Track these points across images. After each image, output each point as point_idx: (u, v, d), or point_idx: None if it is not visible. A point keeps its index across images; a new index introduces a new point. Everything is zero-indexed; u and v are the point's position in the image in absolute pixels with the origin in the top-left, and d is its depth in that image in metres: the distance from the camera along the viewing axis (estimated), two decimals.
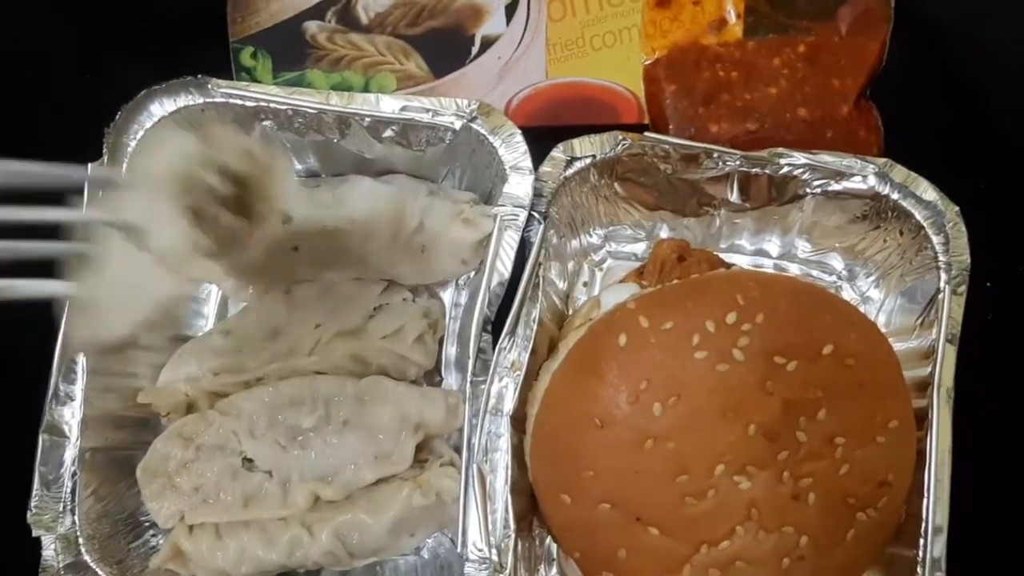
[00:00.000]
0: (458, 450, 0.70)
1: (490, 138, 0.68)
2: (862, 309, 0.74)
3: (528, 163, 0.68)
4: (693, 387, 0.58)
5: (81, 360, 0.68)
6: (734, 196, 0.73)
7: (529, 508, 0.70)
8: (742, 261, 0.78)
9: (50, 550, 0.66)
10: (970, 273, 0.67)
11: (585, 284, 0.79)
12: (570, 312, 0.77)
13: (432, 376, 0.76)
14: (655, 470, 0.59)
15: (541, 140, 0.71)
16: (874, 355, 0.61)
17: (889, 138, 0.77)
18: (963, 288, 0.66)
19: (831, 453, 0.59)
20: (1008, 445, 0.75)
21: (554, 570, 0.73)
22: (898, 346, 0.69)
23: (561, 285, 0.76)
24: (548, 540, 0.73)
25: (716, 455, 0.58)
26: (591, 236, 0.78)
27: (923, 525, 0.62)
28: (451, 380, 0.77)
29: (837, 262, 0.76)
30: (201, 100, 0.70)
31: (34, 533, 0.66)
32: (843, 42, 0.78)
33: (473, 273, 0.76)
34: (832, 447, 0.59)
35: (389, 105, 0.69)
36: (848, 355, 0.59)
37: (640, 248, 0.79)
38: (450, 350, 0.77)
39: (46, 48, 0.81)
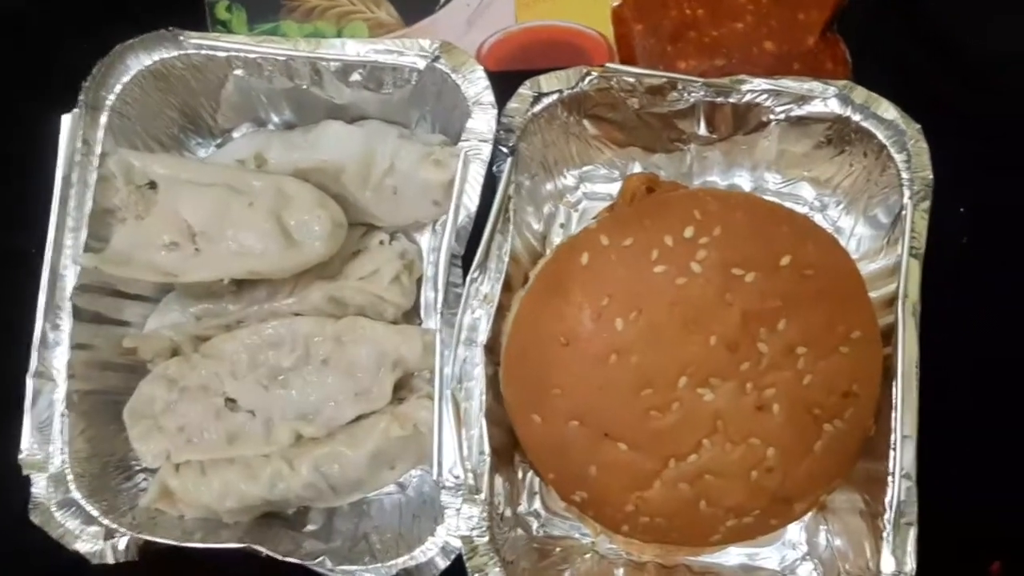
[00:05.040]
0: None
1: (453, 76, 0.70)
2: None
3: (490, 97, 0.69)
4: (653, 301, 0.59)
5: (67, 306, 0.69)
6: (702, 129, 0.73)
7: (510, 442, 0.71)
8: None
9: (40, 487, 0.68)
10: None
11: (562, 226, 0.80)
12: (547, 253, 0.78)
13: (411, 319, 0.78)
14: (620, 384, 0.60)
15: (514, 84, 0.72)
16: (833, 265, 0.62)
17: (856, 72, 0.78)
18: (927, 203, 0.66)
19: (793, 364, 0.60)
20: (980, 372, 0.76)
21: (537, 502, 0.75)
22: (867, 267, 0.70)
23: (537, 227, 0.77)
24: (530, 473, 0.75)
25: (679, 367, 0.59)
26: (565, 178, 0.79)
27: (892, 436, 0.63)
28: (430, 323, 0.78)
29: (808, 192, 0.77)
30: (175, 52, 0.72)
31: (24, 472, 0.68)
32: None
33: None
34: (794, 357, 0.60)
35: (354, 48, 0.70)
36: (806, 265, 0.60)
37: (614, 188, 0.79)
38: (429, 294, 0.78)
39: (22, 6, 0.83)
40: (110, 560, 0.68)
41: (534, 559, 0.70)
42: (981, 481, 0.73)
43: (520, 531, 0.72)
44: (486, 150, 0.69)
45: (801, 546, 0.72)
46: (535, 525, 0.74)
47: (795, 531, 0.73)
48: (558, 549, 0.72)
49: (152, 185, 0.72)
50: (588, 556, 0.73)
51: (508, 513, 0.70)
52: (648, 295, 0.59)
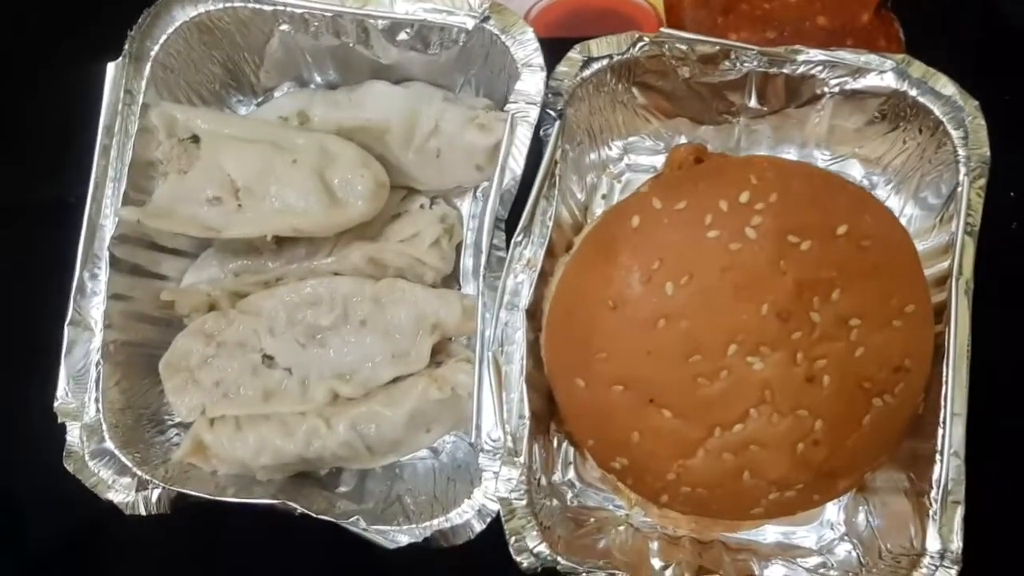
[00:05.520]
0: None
1: (502, 37, 0.69)
2: None
3: (540, 60, 0.68)
4: (705, 266, 0.58)
5: (105, 255, 0.69)
6: (752, 101, 0.72)
7: (547, 411, 0.71)
8: None
9: (75, 436, 0.68)
10: (993, 178, 0.66)
11: (604, 197, 0.79)
12: (588, 223, 0.77)
13: (450, 283, 0.77)
14: (668, 350, 0.59)
15: (561, 51, 0.71)
16: (890, 238, 0.61)
17: (910, 51, 0.77)
18: (982, 181, 0.65)
19: (846, 335, 0.59)
20: None
21: (571, 472, 0.74)
22: (919, 246, 0.69)
23: (580, 196, 0.77)
24: (565, 443, 0.74)
25: (729, 335, 0.58)
26: (610, 149, 0.78)
27: (941, 413, 0.62)
28: (469, 289, 0.77)
29: (856, 170, 0.76)
30: (221, 5, 0.71)
31: (59, 420, 0.68)
32: None
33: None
34: (847, 329, 0.59)
35: (403, 7, 0.70)
36: (863, 236, 0.59)
37: (659, 161, 0.79)
38: (467, 261, 0.78)
39: None
40: (142, 511, 0.68)
41: (570, 528, 0.70)
42: None
43: (555, 501, 0.71)
44: (534, 113, 0.68)
45: (839, 526, 0.71)
46: (569, 495, 0.73)
47: (833, 511, 0.72)
48: (592, 520, 0.72)
49: (195, 139, 0.72)
50: (622, 528, 0.72)
51: (543, 482, 0.70)
52: (700, 260, 0.58)
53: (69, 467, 0.68)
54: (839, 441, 0.60)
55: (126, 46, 0.70)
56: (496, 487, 0.65)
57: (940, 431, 0.62)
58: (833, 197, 0.60)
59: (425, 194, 0.77)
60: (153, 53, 0.71)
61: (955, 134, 0.66)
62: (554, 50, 0.70)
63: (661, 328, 0.59)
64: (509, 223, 0.68)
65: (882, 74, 0.68)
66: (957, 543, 0.61)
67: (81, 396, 0.68)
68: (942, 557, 0.61)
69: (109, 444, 0.68)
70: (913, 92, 0.67)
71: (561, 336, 0.64)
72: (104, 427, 0.68)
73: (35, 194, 0.80)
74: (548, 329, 0.65)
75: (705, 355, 0.58)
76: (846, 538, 0.71)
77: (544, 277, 0.68)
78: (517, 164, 0.68)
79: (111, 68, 0.70)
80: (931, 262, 0.67)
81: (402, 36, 0.71)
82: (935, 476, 0.61)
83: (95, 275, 0.69)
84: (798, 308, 0.58)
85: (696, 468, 0.61)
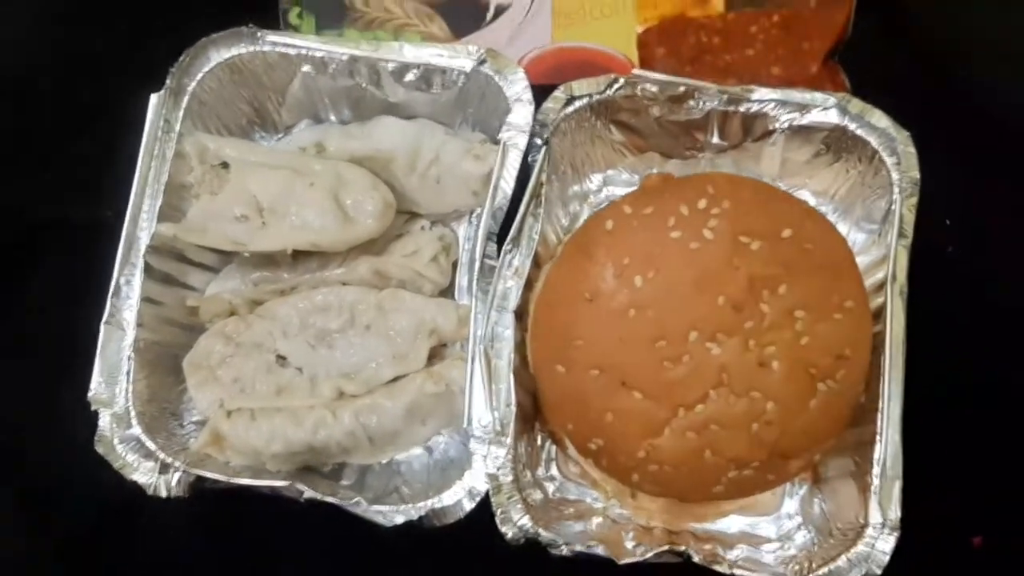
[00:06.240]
0: None
1: (496, 78, 0.79)
2: None
3: (529, 95, 0.78)
4: (669, 262, 0.67)
5: (140, 263, 0.77)
6: (715, 137, 0.82)
7: (532, 410, 0.78)
8: None
9: (105, 422, 0.75)
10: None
11: None
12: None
13: (447, 297, 0.85)
14: (637, 336, 0.67)
15: (547, 94, 0.81)
16: (830, 242, 0.70)
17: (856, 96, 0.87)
18: (913, 199, 0.74)
19: (792, 325, 0.67)
20: (967, 366, 0.83)
21: (553, 468, 0.81)
22: (861, 260, 0.77)
23: (564, 222, 0.86)
24: (548, 441, 0.81)
25: (690, 322, 0.67)
26: (591, 181, 0.88)
27: (880, 401, 0.70)
28: (464, 303, 0.85)
29: (809, 200, 0.85)
30: (252, 48, 0.82)
31: (92, 407, 0.75)
32: (813, 12, 0.89)
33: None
34: (792, 319, 0.67)
35: (410, 52, 0.80)
36: (806, 240, 0.68)
37: None
38: (463, 279, 0.86)
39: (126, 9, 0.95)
40: (163, 493, 0.74)
41: (552, 516, 0.76)
42: (965, 459, 0.79)
43: (538, 492, 0.77)
44: (523, 141, 0.77)
45: (797, 516, 0.78)
46: (551, 488, 0.80)
47: (791, 505, 0.78)
48: (572, 510, 0.78)
49: (224, 165, 0.81)
50: (600, 519, 0.78)
51: (529, 477, 0.77)
52: (664, 257, 0.67)
53: (100, 450, 0.74)
54: (789, 422, 0.67)
55: (167, 81, 0.80)
56: (485, 465, 0.72)
57: (879, 416, 0.69)
58: (779, 205, 0.69)
59: (426, 217, 0.86)
60: (190, 88, 0.81)
61: (889, 161, 0.76)
62: (542, 94, 0.80)
63: (631, 317, 0.67)
64: (500, 237, 0.77)
65: (826, 110, 0.77)
66: (895, 512, 0.67)
67: (113, 387, 0.76)
68: (883, 526, 0.68)
69: (136, 430, 0.75)
70: (852, 126, 0.77)
71: (544, 327, 0.72)
72: (132, 414, 0.75)
73: (81, 210, 0.89)
74: (533, 322, 0.74)
75: (669, 341, 0.67)
76: (803, 526, 0.77)
77: (530, 284, 0.76)
78: (508, 185, 0.77)
79: (153, 99, 0.80)
80: (871, 272, 0.76)
81: (409, 77, 0.81)
82: (875, 456, 0.69)
83: (129, 280, 0.78)
84: (750, 300, 0.66)
85: (663, 447, 0.68)
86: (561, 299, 0.71)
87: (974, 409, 0.81)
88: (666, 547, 0.71)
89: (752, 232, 0.67)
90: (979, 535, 0.79)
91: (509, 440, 0.72)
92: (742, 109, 0.79)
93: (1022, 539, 0.79)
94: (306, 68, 0.82)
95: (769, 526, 0.78)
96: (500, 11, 0.89)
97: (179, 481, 0.74)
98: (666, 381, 0.67)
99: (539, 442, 0.81)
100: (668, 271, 0.67)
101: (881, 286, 0.73)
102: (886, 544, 0.67)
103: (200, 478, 0.74)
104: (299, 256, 0.81)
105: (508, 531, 0.71)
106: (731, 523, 0.79)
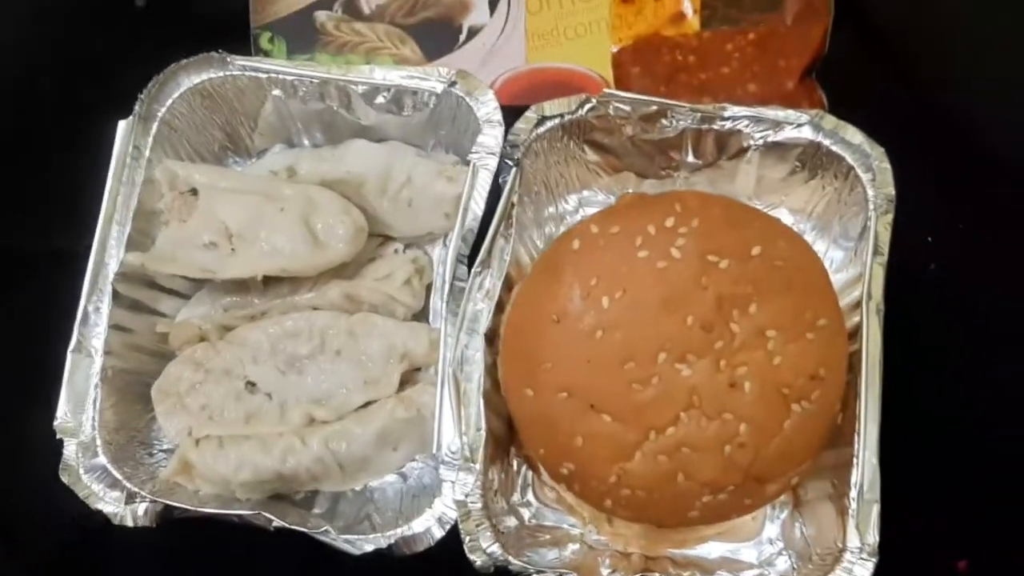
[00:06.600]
0: None
1: (467, 99, 0.78)
2: None
3: (499, 117, 0.78)
4: (637, 282, 0.66)
5: (108, 290, 0.77)
6: (689, 156, 0.81)
7: (507, 435, 0.77)
8: None
9: (71, 451, 0.74)
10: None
11: None
12: None
13: (420, 321, 0.84)
14: (605, 358, 0.66)
15: (519, 116, 0.80)
16: (802, 259, 0.68)
17: (832, 113, 0.86)
18: (889, 216, 0.73)
19: (763, 344, 0.65)
20: (946, 381, 0.81)
21: (529, 494, 0.79)
22: (837, 278, 0.76)
23: (539, 244, 0.84)
24: (524, 467, 0.80)
25: (658, 344, 0.65)
26: (566, 202, 0.87)
27: (857, 423, 0.68)
28: (438, 326, 0.84)
29: (786, 218, 0.83)
30: (222, 73, 0.81)
31: (58, 436, 0.74)
32: (789, 30, 0.88)
33: None
34: (764, 339, 0.65)
35: (381, 74, 0.79)
36: (776, 257, 0.67)
37: None
38: (437, 302, 0.85)
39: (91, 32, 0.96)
40: (129, 523, 0.73)
41: (526, 542, 0.74)
42: (948, 481, 0.77)
43: (513, 519, 0.76)
44: (493, 162, 0.77)
45: (778, 542, 0.76)
46: (527, 515, 0.78)
47: (772, 529, 0.77)
48: (548, 536, 0.77)
49: (194, 192, 0.80)
50: (576, 545, 0.77)
51: (502, 504, 0.75)
52: (632, 276, 0.66)
53: (65, 479, 0.73)
54: (763, 444, 0.66)
55: (136, 107, 0.79)
56: (454, 492, 0.70)
57: (856, 437, 0.68)
58: (748, 223, 0.68)
59: (400, 240, 0.85)
60: (160, 114, 0.80)
61: (864, 177, 0.74)
62: (515, 115, 0.79)
63: (599, 338, 0.66)
64: (471, 259, 0.76)
65: (799, 127, 0.76)
66: (873, 537, 0.66)
67: (79, 416, 0.75)
68: (860, 551, 0.66)
69: (102, 459, 0.74)
70: (827, 142, 0.76)
71: (513, 350, 0.71)
72: (98, 443, 0.74)
73: (48, 241, 0.89)
74: (503, 344, 0.72)
75: (638, 362, 0.65)
76: (784, 552, 0.75)
77: (502, 307, 0.75)
78: (478, 206, 0.76)
79: (122, 125, 0.79)
80: (848, 290, 0.74)
81: (379, 100, 0.81)
82: (853, 479, 0.67)
83: (98, 308, 0.77)
84: (719, 320, 0.65)
85: (634, 471, 0.66)
86: (529, 320, 0.69)
87: (961, 430, 0.79)
88: (642, 574, 0.69)
89: (721, 250, 0.66)
90: (965, 559, 0.77)
91: (479, 466, 0.70)
92: (715, 127, 0.78)
93: (1009, 563, 0.77)
94: (276, 92, 0.82)
95: (750, 551, 0.77)
96: (473, 33, 0.88)
97: (146, 511, 0.73)
98: (636, 404, 0.65)
99: (515, 467, 0.79)
100: (635, 291, 0.66)
101: (856, 305, 0.72)
102: (864, 570, 0.65)
103: (168, 507, 0.73)
104: (270, 281, 0.81)
105: (477, 559, 0.69)
106: (711, 549, 0.77)
